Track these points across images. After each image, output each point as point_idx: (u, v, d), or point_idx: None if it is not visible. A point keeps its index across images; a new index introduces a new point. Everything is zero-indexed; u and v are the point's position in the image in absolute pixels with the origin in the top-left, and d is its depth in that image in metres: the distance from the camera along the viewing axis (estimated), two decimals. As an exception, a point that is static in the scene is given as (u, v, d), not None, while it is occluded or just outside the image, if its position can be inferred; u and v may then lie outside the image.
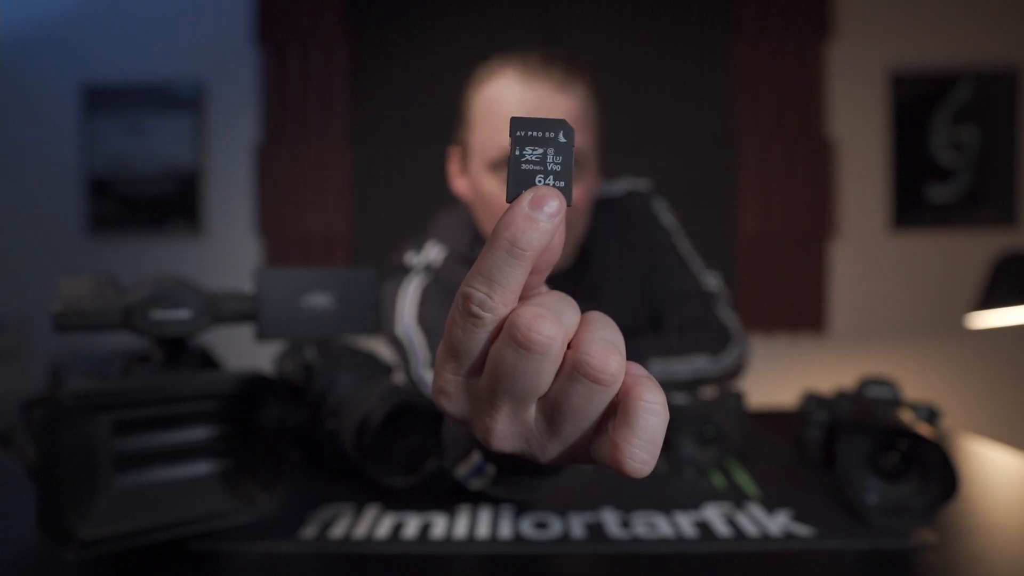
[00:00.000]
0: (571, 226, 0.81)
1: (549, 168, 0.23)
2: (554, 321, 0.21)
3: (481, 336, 0.22)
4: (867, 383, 0.61)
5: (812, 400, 0.67)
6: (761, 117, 2.34)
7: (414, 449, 0.57)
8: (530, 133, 0.23)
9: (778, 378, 2.36)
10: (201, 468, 0.46)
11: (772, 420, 0.91)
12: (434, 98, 2.39)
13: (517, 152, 0.23)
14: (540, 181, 0.23)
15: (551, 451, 0.24)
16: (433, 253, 0.88)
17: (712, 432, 0.64)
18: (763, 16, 2.33)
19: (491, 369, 0.22)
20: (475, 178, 0.82)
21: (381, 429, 0.53)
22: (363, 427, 0.54)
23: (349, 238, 2.40)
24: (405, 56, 2.40)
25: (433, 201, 2.36)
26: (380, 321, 0.84)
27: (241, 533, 0.49)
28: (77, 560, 0.43)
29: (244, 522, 0.45)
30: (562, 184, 0.23)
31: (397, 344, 0.81)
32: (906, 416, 0.53)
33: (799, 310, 2.35)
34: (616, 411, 0.22)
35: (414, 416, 0.56)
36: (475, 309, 0.22)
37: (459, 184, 0.88)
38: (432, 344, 0.77)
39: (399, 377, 0.78)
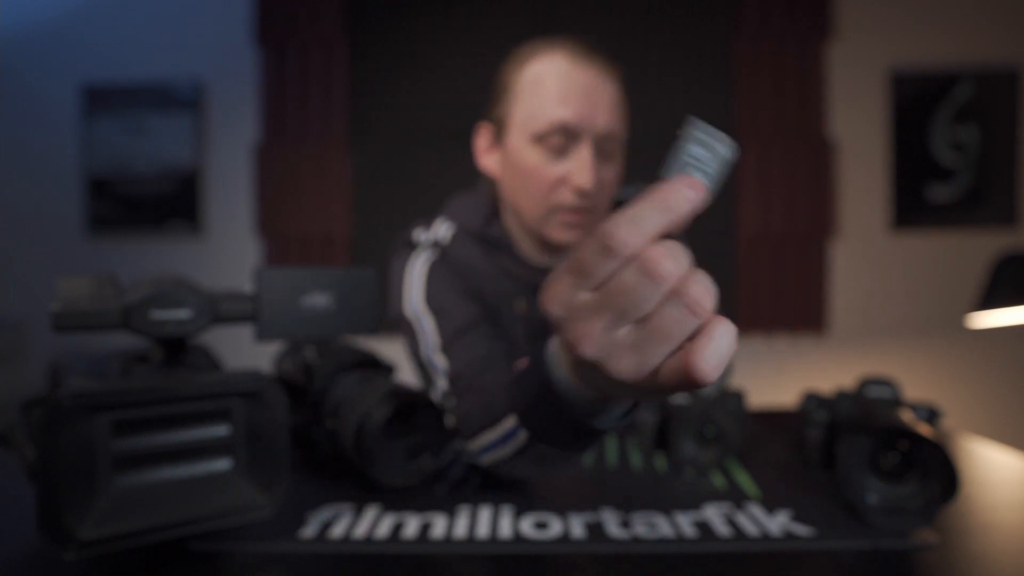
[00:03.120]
0: (599, 211, 0.81)
1: (704, 170, 0.29)
2: (676, 262, 0.28)
3: (611, 265, 0.28)
4: (867, 383, 0.61)
5: (812, 400, 0.67)
6: (761, 117, 2.34)
7: (414, 449, 0.57)
8: (703, 137, 0.29)
9: (778, 378, 2.36)
10: (201, 468, 0.46)
11: (772, 420, 0.91)
12: (434, 97, 2.39)
13: (688, 148, 0.28)
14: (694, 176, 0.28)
15: (627, 366, 0.29)
16: (442, 230, 0.88)
17: (712, 432, 0.64)
18: (763, 16, 2.33)
19: (613, 287, 0.29)
20: (514, 151, 0.81)
21: (381, 429, 0.53)
22: (363, 427, 0.53)
23: (349, 238, 2.40)
24: (405, 56, 2.40)
25: (433, 200, 2.36)
26: (386, 299, 0.83)
27: (241, 533, 0.49)
28: (77, 560, 0.43)
29: (244, 522, 0.45)
30: (708, 185, 0.28)
31: (405, 323, 0.81)
32: (906, 416, 0.53)
33: (799, 310, 2.35)
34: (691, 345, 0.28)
35: (414, 416, 0.56)
36: (616, 243, 0.28)
37: (486, 160, 0.88)
38: (442, 328, 0.77)
39: (399, 377, 0.78)
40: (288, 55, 2.40)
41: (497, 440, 0.50)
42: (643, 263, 0.27)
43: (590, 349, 0.29)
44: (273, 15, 2.39)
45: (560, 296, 0.30)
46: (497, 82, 0.84)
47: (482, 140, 0.88)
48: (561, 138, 0.76)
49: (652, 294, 0.28)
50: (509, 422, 0.47)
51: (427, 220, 0.91)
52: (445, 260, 0.84)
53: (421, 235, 0.88)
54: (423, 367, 0.79)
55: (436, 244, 0.86)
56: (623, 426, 0.61)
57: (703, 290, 0.28)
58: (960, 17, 2.38)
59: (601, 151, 0.78)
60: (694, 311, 0.27)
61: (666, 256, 0.27)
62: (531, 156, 0.79)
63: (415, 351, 0.80)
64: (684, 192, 0.28)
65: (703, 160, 0.29)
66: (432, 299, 0.80)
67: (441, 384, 0.73)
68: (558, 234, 0.80)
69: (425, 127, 2.40)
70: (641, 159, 2.35)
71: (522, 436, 0.47)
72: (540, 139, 0.77)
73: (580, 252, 0.29)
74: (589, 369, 0.31)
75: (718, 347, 0.27)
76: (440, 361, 0.75)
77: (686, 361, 0.27)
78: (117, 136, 2.43)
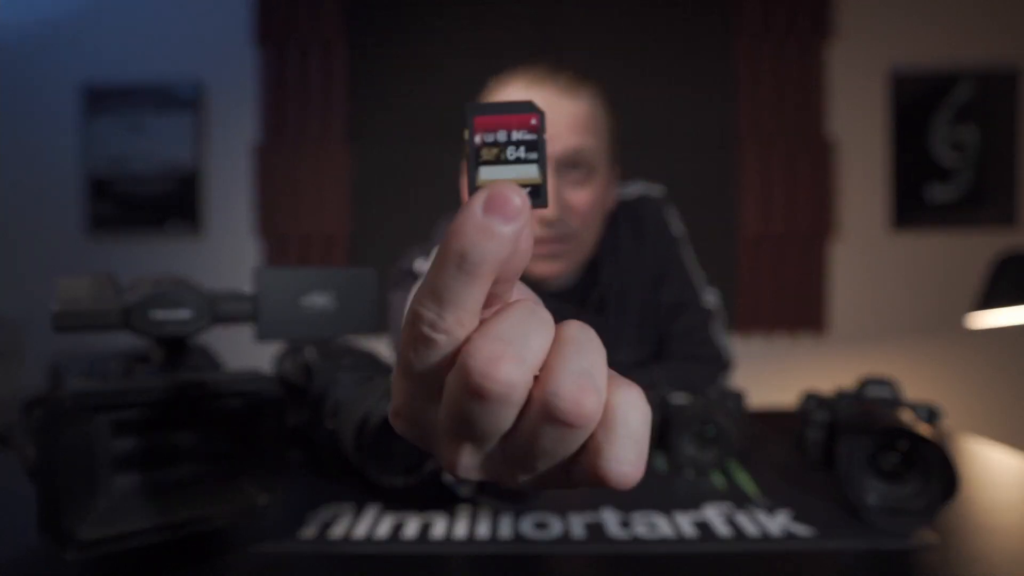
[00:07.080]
0: (579, 237, 0.79)
1: (513, 158, 0.19)
2: (515, 360, 0.18)
3: (435, 359, 0.19)
4: (867, 383, 0.61)
5: (812, 400, 0.66)
6: (762, 117, 2.34)
7: (414, 449, 0.56)
8: (491, 120, 0.19)
9: (778, 378, 2.36)
10: (201, 469, 0.46)
11: (772, 420, 0.91)
12: (434, 98, 2.39)
13: (476, 141, 0.19)
14: (503, 176, 0.19)
15: (523, 482, 0.21)
16: None
17: (712, 432, 0.64)
18: (764, 15, 2.33)
19: (447, 407, 0.19)
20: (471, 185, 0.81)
21: (381, 429, 0.53)
22: (363, 427, 0.53)
23: (349, 238, 2.40)
24: (405, 56, 2.40)
25: (432, 200, 2.36)
26: (390, 329, 0.84)
27: (241, 533, 0.48)
28: (77, 560, 0.43)
29: (244, 522, 0.45)
30: (533, 177, 0.19)
31: None
32: (906, 416, 0.53)
33: (799, 310, 2.35)
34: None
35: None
36: (426, 331, 0.18)
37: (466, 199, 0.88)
38: None
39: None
40: (288, 55, 2.40)
41: (455, 481, 0.51)
42: (464, 378, 0.18)
43: (471, 474, 0.21)
44: (273, 15, 2.39)
45: (402, 411, 0.21)
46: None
47: (463, 181, 0.89)
48: None
49: (496, 415, 0.18)
50: None
51: (424, 248, 0.91)
52: None
53: (423, 265, 0.88)
54: None
55: None
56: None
57: (574, 388, 0.18)
58: (961, 17, 2.37)
59: (567, 173, 0.75)
60: (570, 425, 0.18)
61: (496, 359, 0.17)
62: None
63: None
64: (483, 224, 0.17)
65: (505, 150, 0.19)
66: None
67: None
68: (532, 268, 0.78)
69: (425, 127, 2.40)
70: (642, 160, 2.36)
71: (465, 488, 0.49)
72: None
73: (404, 346, 0.20)
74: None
75: (626, 434, 0.19)
76: None
77: (596, 468, 0.19)
78: (117, 136, 2.43)
